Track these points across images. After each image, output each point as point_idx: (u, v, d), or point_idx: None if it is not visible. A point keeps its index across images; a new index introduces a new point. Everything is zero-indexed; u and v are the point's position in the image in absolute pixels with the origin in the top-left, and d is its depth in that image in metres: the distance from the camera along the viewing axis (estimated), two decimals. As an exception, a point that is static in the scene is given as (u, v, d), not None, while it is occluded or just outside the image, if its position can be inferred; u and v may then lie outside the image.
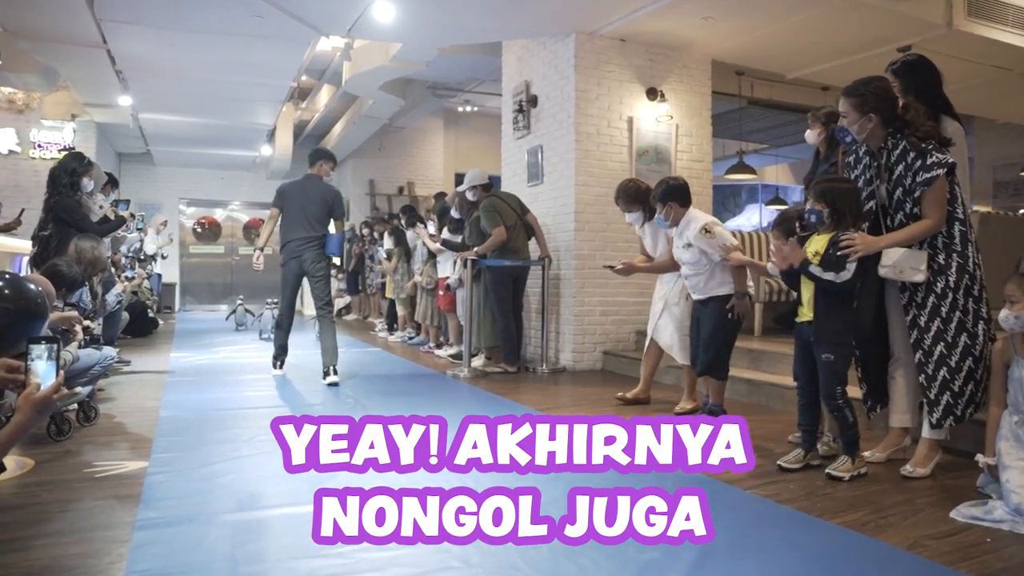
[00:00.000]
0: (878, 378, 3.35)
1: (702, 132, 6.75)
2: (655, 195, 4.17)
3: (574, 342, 6.21)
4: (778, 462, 3.20)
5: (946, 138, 3.13)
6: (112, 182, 6.34)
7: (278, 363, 5.83)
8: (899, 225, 3.09)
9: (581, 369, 6.21)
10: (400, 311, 8.82)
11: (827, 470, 3.08)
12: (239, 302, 9.97)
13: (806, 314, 3.12)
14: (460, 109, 12.60)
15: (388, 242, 8.96)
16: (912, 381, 3.18)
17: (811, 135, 4.59)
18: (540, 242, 6.23)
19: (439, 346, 7.39)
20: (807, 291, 3.12)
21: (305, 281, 5.52)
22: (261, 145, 12.51)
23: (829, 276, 2.97)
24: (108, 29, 6.43)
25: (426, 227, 7.72)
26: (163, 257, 11.27)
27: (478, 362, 6.11)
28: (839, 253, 2.93)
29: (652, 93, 6.46)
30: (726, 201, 16.31)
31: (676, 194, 4.09)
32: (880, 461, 3.26)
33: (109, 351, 3.90)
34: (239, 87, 8.62)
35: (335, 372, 5.29)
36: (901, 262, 3.01)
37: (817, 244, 3.08)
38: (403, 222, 8.64)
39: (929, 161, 2.97)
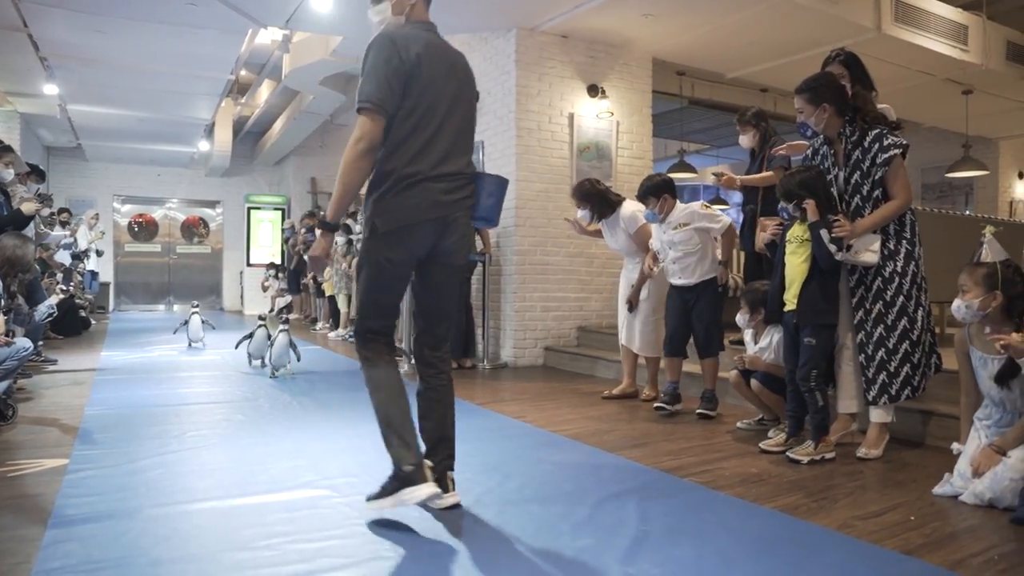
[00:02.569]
0: (827, 365, 3.46)
1: (643, 129, 6.82)
2: (647, 189, 4.21)
3: (515, 338, 6.20)
4: (761, 445, 3.34)
5: (894, 121, 3.27)
6: (36, 173, 6.08)
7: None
8: (855, 208, 3.21)
9: (522, 365, 6.21)
10: (342, 309, 8.70)
11: (787, 453, 3.17)
12: (193, 310, 7.49)
13: (792, 302, 3.22)
14: (404, 107, 12.48)
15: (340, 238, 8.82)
16: (858, 368, 3.28)
17: (745, 139, 4.74)
18: (483, 238, 6.21)
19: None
20: (794, 278, 3.22)
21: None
22: (199, 141, 12.19)
23: (832, 249, 3.07)
24: (28, 11, 6.16)
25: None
26: (98, 253, 10.87)
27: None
28: (833, 235, 3.06)
29: (593, 90, 6.50)
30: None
31: (670, 187, 4.24)
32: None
33: (23, 342, 3.70)
34: (174, 79, 8.37)
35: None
36: (857, 244, 3.11)
37: (799, 230, 3.22)
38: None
39: (886, 143, 3.11)
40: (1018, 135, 10.64)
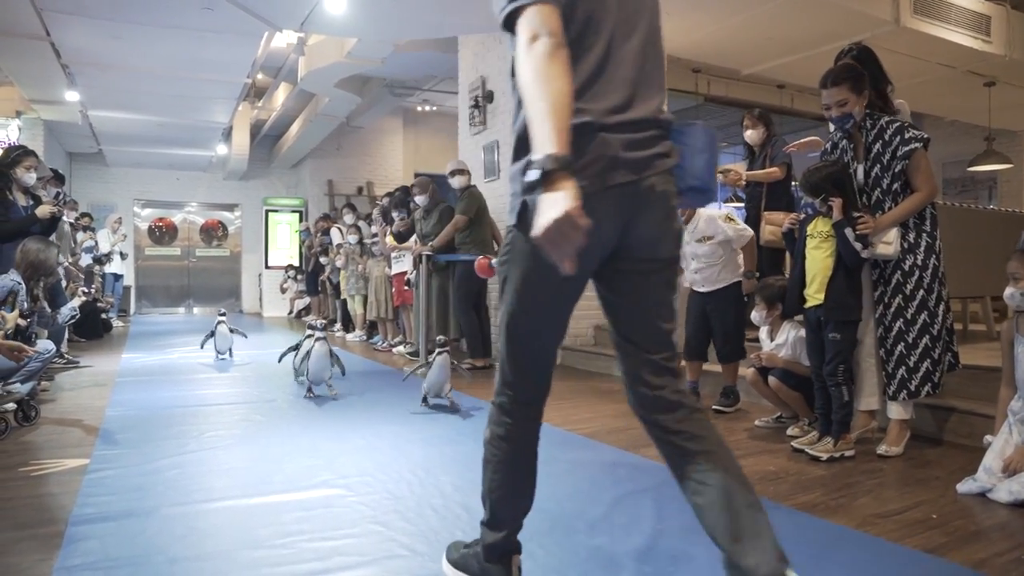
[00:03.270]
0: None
1: (658, 127, 6.77)
2: None
3: (532, 337, 6.17)
4: (793, 443, 3.30)
5: (908, 122, 3.24)
6: (56, 177, 6.16)
7: None
8: (876, 202, 3.18)
9: (540, 364, 6.18)
10: (357, 310, 8.73)
11: (807, 449, 3.13)
12: (220, 318, 6.54)
13: (815, 297, 3.18)
14: (419, 108, 12.53)
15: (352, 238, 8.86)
16: (878, 364, 3.24)
17: (754, 135, 4.77)
18: (498, 238, 6.21)
19: (395, 344, 7.33)
20: (817, 273, 3.18)
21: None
22: (217, 144, 12.29)
23: (858, 247, 3.04)
24: (50, 20, 6.25)
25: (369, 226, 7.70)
26: (122, 256, 10.98)
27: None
28: (858, 232, 3.03)
29: (608, 88, 6.46)
30: (685, 200, 16.43)
31: None
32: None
33: (46, 344, 3.75)
34: (191, 84, 8.45)
35: None
36: (873, 236, 3.07)
37: (822, 225, 3.18)
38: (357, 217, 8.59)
39: (907, 136, 3.07)
40: (1042, 127, 10.48)
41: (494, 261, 1.63)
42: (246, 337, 6.84)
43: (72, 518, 2.33)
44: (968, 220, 5.31)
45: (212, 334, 6.43)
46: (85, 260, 8.89)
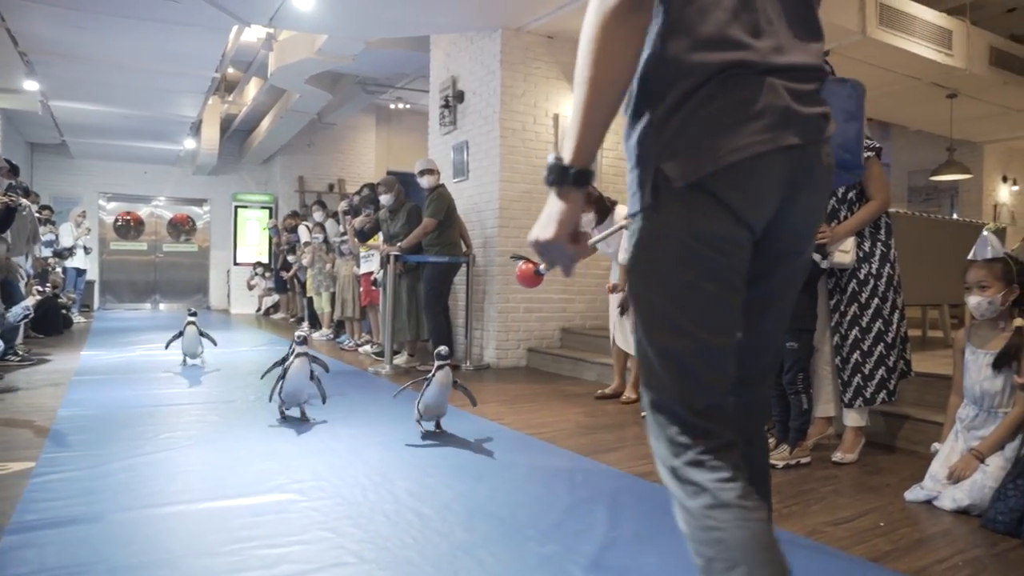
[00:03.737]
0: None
1: (627, 131, 6.80)
2: None
3: (497, 339, 6.18)
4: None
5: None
6: (11, 169, 6.01)
7: None
8: (832, 211, 3.21)
9: (505, 366, 6.19)
10: (324, 308, 8.66)
11: None
12: (189, 319, 5.88)
13: None
14: (392, 106, 12.46)
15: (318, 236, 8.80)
16: (834, 372, 3.28)
17: None
18: (466, 238, 6.20)
19: (361, 344, 7.28)
20: None
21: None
22: (185, 138, 12.10)
23: (817, 258, 3.09)
24: (6, 6, 6.07)
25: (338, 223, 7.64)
26: (86, 250, 10.77)
27: (400, 359, 6.03)
28: (817, 242, 3.03)
29: (578, 91, 6.47)
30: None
31: None
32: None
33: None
34: (158, 76, 8.30)
35: None
36: (829, 246, 3.11)
37: None
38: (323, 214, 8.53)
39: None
40: (1002, 139, 10.70)
41: (542, 268, 1.25)
42: (215, 344, 6.05)
43: (10, 526, 2.26)
44: (927, 229, 5.40)
45: (180, 335, 5.79)
46: (44, 253, 8.71)
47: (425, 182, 6.03)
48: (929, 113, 8.94)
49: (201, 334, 5.83)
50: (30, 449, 3.21)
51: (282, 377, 3.79)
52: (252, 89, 11.47)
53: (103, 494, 2.60)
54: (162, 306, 14.83)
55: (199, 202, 15.08)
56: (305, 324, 9.56)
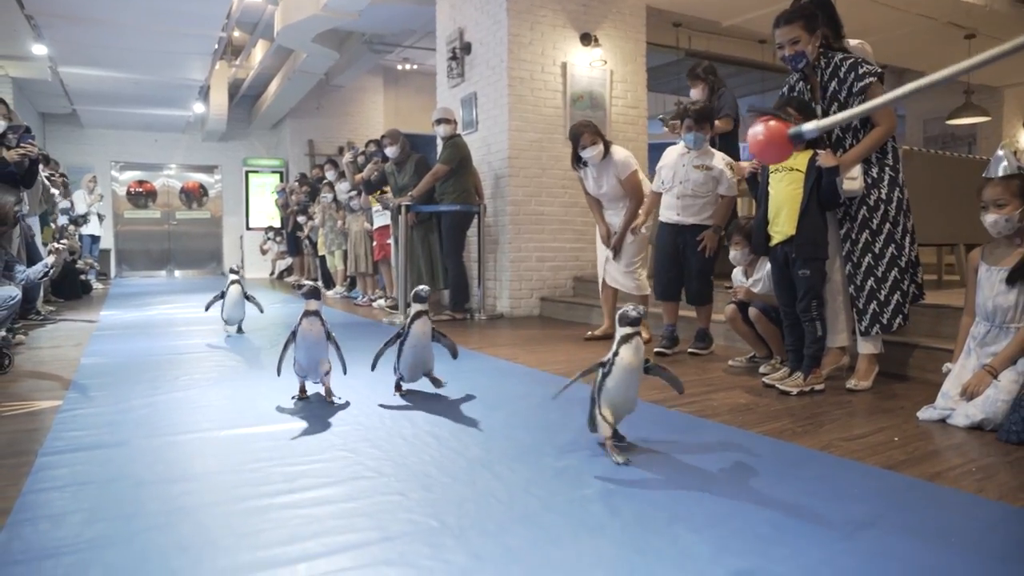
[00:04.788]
0: None
1: (637, 79, 6.74)
2: (707, 112, 4.09)
3: (511, 289, 6.20)
4: (764, 379, 3.34)
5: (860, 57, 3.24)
6: (26, 130, 6.03)
7: None
8: (837, 139, 3.18)
9: (518, 315, 6.22)
10: (337, 266, 8.71)
11: (777, 384, 3.17)
12: (232, 277, 5.11)
13: (781, 232, 3.18)
14: (399, 67, 12.39)
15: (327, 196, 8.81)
16: (847, 301, 3.28)
17: (695, 92, 4.84)
18: (479, 188, 6.21)
19: (375, 299, 7.33)
20: (782, 206, 3.18)
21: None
22: (194, 103, 12.11)
23: (838, 181, 3.06)
24: (12, -33, 6.09)
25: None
26: (100, 217, 10.84)
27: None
28: (828, 166, 3.02)
29: (586, 39, 6.41)
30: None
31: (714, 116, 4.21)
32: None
33: (8, 291, 3.70)
34: (164, 38, 8.28)
35: None
36: (841, 174, 3.09)
37: (792, 160, 3.14)
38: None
39: (861, 71, 3.09)
40: (1022, 83, 10.49)
41: (806, 129, 1.65)
42: (262, 311, 5.23)
43: (43, 449, 2.34)
44: (942, 167, 5.33)
45: (221, 296, 5.05)
46: (61, 221, 8.79)
47: (442, 130, 6.04)
48: (945, 55, 8.75)
49: (247, 297, 5.08)
50: (55, 391, 3.28)
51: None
52: (259, 52, 11.43)
53: (127, 425, 2.66)
54: (177, 273, 14.96)
55: (210, 169, 15.11)
56: (318, 282, 9.62)
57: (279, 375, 2.98)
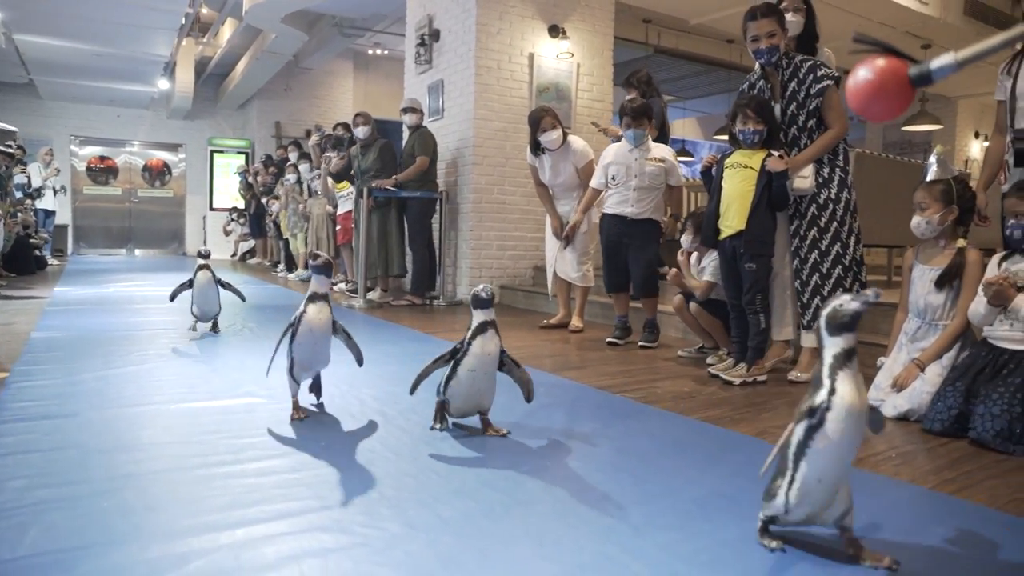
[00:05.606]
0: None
1: (603, 72, 6.82)
2: (643, 109, 4.15)
3: (470, 276, 6.26)
4: (709, 369, 3.42)
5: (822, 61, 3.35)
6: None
7: None
8: (792, 138, 3.29)
9: (478, 302, 6.28)
10: (299, 248, 8.68)
11: (721, 374, 3.27)
12: (201, 262, 4.22)
13: (730, 226, 3.28)
14: (370, 52, 12.32)
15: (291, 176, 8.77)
16: (793, 296, 3.39)
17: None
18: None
19: (336, 283, 7.34)
20: (733, 201, 3.27)
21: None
22: (159, 80, 11.91)
23: (788, 184, 3.18)
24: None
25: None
26: (55, 192, 10.62)
27: (374, 294, 6.11)
28: (777, 171, 3.14)
29: (554, 30, 6.47)
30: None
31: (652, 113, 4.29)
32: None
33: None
34: (128, 10, 8.13)
35: None
36: (792, 173, 3.20)
37: (740, 157, 3.26)
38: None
39: (819, 73, 3.20)
40: (975, 94, 10.81)
41: (935, 68, 1.37)
42: (243, 299, 4.41)
43: (-14, 418, 2.34)
44: (895, 172, 5.50)
45: (189, 284, 4.17)
46: (16, 195, 8.62)
47: (409, 120, 6.12)
48: (904, 64, 9.00)
49: (220, 284, 4.22)
50: (3, 364, 3.26)
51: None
52: (227, 30, 11.28)
53: (76, 397, 2.67)
54: (137, 252, 14.73)
55: (174, 147, 14.89)
56: (281, 265, 9.58)
57: (268, 375, 2.51)
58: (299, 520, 1.60)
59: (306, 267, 8.53)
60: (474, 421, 2.40)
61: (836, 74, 3.21)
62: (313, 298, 2.41)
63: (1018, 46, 2.88)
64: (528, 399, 2.39)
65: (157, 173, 14.93)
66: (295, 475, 1.90)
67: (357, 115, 6.37)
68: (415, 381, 2.30)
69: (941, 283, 2.73)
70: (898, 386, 2.71)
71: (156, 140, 14.72)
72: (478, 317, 2.21)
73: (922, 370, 2.68)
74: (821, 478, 1.39)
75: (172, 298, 4.30)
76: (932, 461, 2.20)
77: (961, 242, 2.76)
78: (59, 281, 7.68)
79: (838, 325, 1.41)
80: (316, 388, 2.61)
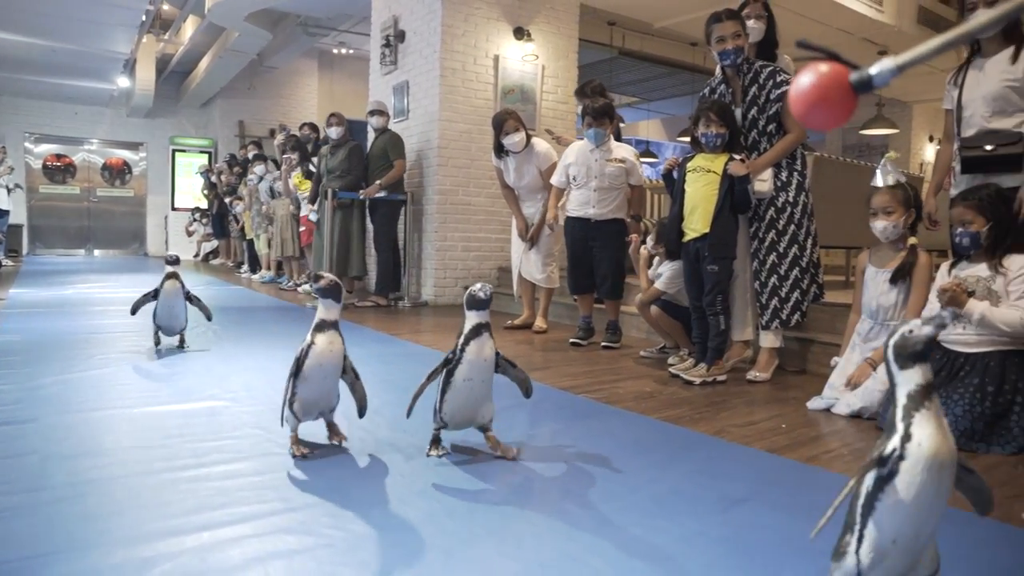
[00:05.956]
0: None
1: (568, 75, 6.88)
2: (606, 109, 4.18)
3: (435, 277, 6.28)
4: (670, 369, 3.47)
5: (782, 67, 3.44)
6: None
7: None
8: (753, 142, 3.37)
9: (442, 303, 6.30)
10: (262, 250, 8.61)
11: (682, 374, 3.34)
12: (170, 268, 3.73)
13: (695, 230, 3.34)
14: (335, 51, 12.25)
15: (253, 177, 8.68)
16: (753, 297, 3.47)
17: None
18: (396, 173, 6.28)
19: (301, 284, 7.30)
20: (697, 205, 3.34)
21: None
22: (118, 77, 11.70)
23: (754, 200, 3.27)
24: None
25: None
26: (9, 189, 10.35)
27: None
28: (739, 175, 3.21)
29: (519, 32, 6.51)
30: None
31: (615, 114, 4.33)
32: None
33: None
34: (86, 5, 7.97)
35: None
36: (752, 177, 3.28)
37: (702, 160, 3.33)
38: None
39: (779, 79, 3.30)
40: (929, 100, 11.09)
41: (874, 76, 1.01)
42: (209, 318, 4.01)
43: (-58, 423, 2.30)
44: (853, 175, 5.63)
45: (154, 296, 3.68)
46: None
47: (375, 122, 6.15)
48: (861, 68, 9.21)
49: (189, 299, 3.75)
50: (-42, 366, 3.20)
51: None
52: (189, 28, 11.13)
53: (35, 403, 2.63)
54: (97, 252, 14.46)
55: (134, 146, 14.64)
56: (244, 266, 9.49)
57: (282, 426, 2.16)
58: (264, 522, 1.61)
59: (270, 268, 8.47)
60: (477, 442, 2.23)
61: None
62: (322, 327, 2.11)
63: (963, 55, 2.98)
64: (527, 395, 2.25)
65: (117, 172, 14.66)
66: (260, 478, 1.91)
67: (331, 115, 6.36)
68: (411, 403, 2.11)
69: (895, 279, 2.83)
70: (852, 385, 2.79)
71: (116, 138, 14.45)
72: (472, 319, 2.07)
73: (874, 369, 2.77)
74: (896, 539, 1.17)
75: (134, 311, 3.76)
76: (882, 457, 2.28)
77: (913, 239, 2.87)
78: (14, 283, 7.52)
79: (910, 355, 1.17)
80: (332, 430, 2.26)
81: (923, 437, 1.13)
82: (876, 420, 2.64)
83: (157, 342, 3.79)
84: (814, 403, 2.91)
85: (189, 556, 1.44)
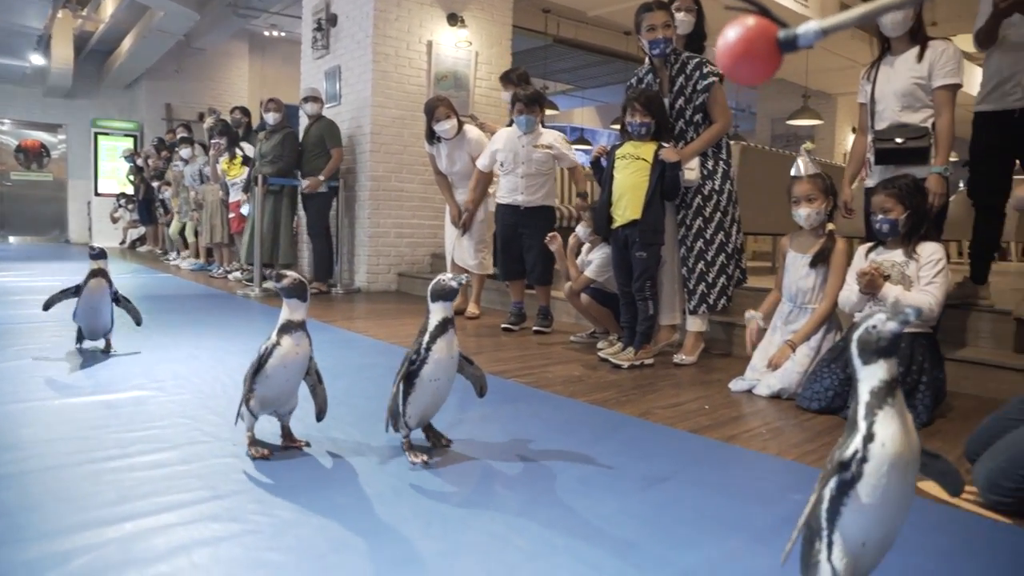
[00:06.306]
0: None
1: (502, 62, 6.89)
2: (536, 97, 4.21)
3: (368, 264, 6.24)
4: (599, 354, 3.53)
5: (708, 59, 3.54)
6: None
7: None
8: (680, 131, 3.44)
9: (376, 290, 6.28)
10: (190, 236, 8.40)
11: (610, 358, 3.41)
12: (95, 264, 3.22)
13: (623, 216, 3.40)
14: (266, 33, 11.99)
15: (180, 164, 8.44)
16: (680, 282, 3.57)
17: (505, 95, 5.01)
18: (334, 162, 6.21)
19: (231, 271, 7.16)
20: (625, 192, 3.39)
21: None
22: (31, 53, 11.17)
23: (680, 174, 3.32)
24: None
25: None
26: None
27: (270, 283, 6.01)
28: (671, 161, 3.27)
29: (453, 19, 6.49)
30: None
31: (545, 102, 4.33)
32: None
33: None
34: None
35: None
36: (682, 165, 3.35)
37: (631, 148, 3.38)
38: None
39: (705, 70, 3.39)
40: (852, 92, 11.46)
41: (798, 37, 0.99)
42: (139, 323, 3.53)
43: None
44: (777, 164, 5.81)
45: (75, 291, 3.25)
46: None
47: (309, 108, 6.11)
48: (787, 63, 9.38)
49: (116, 300, 3.33)
50: None
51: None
52: (110, 5, 10.71)
53: (-54, 395, 2.54)
54: (12, 239, 13.84)
55: (53, 127, 14.03)
56: (172, 253, 9.24)
57: (236, 424, 2.07)
58: (190, 511, 1.60)
59: (198, 254, 8.26)
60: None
61: (719, 71, 3.39)
62: (288, 328, 2.00)
63: (876, 51, 3.12)
64: (480, 394, 2.20)
65: (34, 155, 14.04)
66: (186, 467, 1.89)
67: (270, 100, 6.23)
68: (391, 419, 2.03)
69: (815, 263, 2.96)
70: (772, 366, 2.91)
71: (31, 119, 13.82)
72: (438, 313, 1.95)
73: (793, 350, 2.89)
74: (866, 541, 1.14)
75: (47, 307, 3.32)
76: (798, 436, 2.39)
77: (831, 225, 3.01)
78: (-76, 271, 7.16)
79: (875, 350, 1.13)
80: (288, 436, 2.11)
81: (886, 437, 1.10)
82: (797, 400, 2.76)
83: (79, 345, 3.37)
84: (736, 384, 3.02)
85: (111, 548, 1.43)
